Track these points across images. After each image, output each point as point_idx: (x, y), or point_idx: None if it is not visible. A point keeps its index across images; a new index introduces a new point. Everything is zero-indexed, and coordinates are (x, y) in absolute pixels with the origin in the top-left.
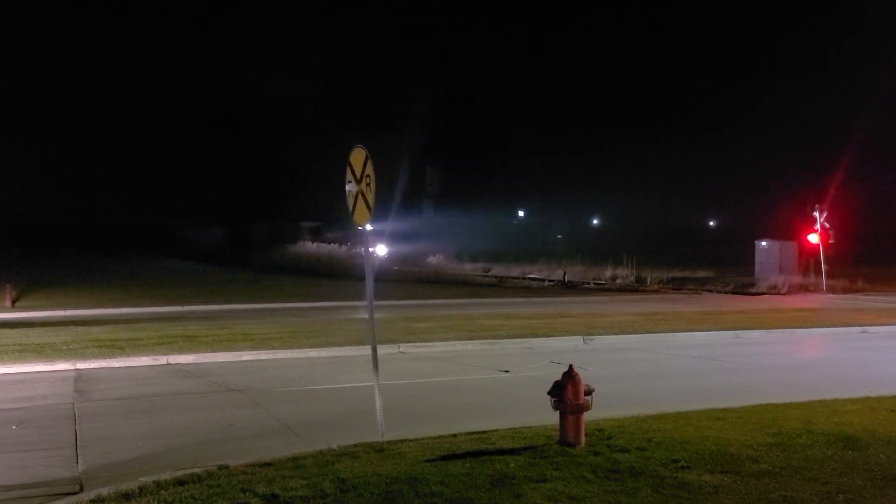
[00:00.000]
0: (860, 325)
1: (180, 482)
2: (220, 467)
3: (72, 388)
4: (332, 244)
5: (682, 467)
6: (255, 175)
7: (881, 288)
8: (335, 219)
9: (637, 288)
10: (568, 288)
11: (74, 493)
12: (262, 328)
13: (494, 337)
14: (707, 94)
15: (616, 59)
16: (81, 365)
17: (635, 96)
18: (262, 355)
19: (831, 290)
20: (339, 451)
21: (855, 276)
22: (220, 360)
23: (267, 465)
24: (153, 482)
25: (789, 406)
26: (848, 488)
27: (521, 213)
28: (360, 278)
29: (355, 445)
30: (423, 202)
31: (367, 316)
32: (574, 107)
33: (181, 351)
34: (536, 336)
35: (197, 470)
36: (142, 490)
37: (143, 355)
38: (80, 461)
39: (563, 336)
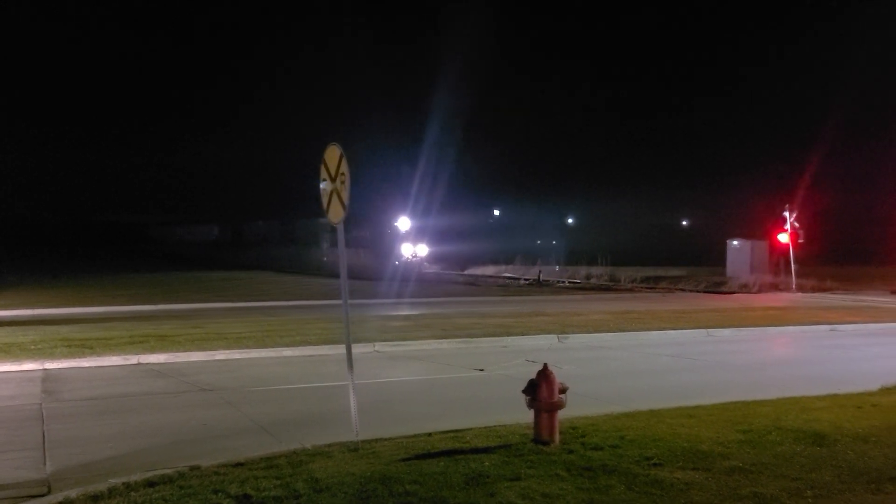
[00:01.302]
0: (829, 324)
1: (151, 483)
2: (192, 468)
3: (39, 388)
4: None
5: (655, 464)
6: (257, 170)
7: (850, 286)
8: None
9: (611, 287)
10: (543, 287)
11: (42, 496)
12: (236, 327)
13: (470, 336)
14: (681, 94)
15: (591, 57)
16: (50, 365)
17: (610, 96)
18: (236, 354)
19: (801, 288)
20: (313, 451)
21: (824, 275)
22: (193, 359)
23: (239, 465)
24: (123, 484)
25: (759, 403)
26: (816, 484)
27: (496, 212)
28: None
29: (329, 445)
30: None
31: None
32: (547, 105)
33: (153, 350)
34: (511, 335)
35: (168, 471)
36: (111, 492)
37: (113, 355)
38: (47, 463)
39: (538, 335)
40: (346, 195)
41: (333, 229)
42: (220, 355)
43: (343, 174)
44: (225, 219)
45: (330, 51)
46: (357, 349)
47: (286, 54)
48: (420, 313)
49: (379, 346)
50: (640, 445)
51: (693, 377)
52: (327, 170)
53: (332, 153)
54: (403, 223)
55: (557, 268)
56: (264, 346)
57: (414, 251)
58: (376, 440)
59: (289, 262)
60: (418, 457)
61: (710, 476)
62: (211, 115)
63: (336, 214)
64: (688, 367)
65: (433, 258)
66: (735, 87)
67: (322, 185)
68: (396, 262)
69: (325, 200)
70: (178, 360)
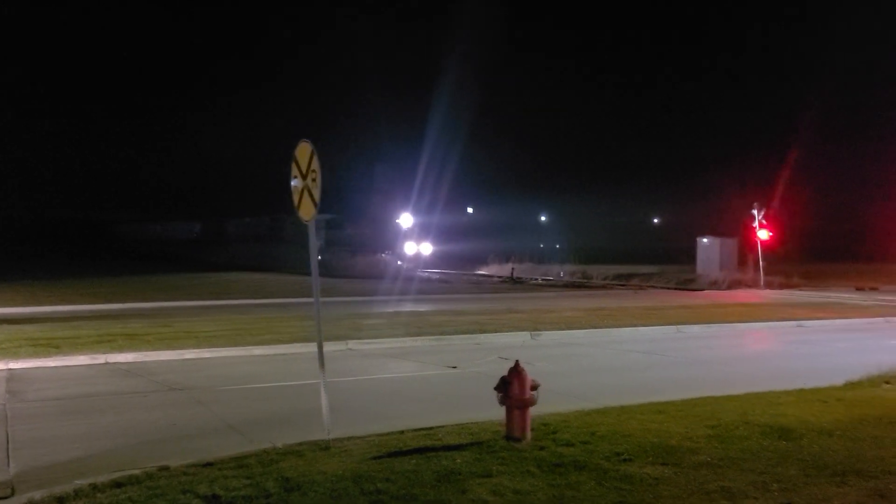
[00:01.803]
0: (796, 320)
1: (118, 484)
2: (160, 468)
3: (3, 388)
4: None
5: (625, 460)
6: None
7: (817, 283)
8: (356, 211)
9: (583, 284)
10: (516, 284)
11: (6, 498)
12: (207, 326)
13: (443, 333)
14: (654, 91)
15: (564, 55)
16: (14, 365)
17: (584, 93)
18: (206, 353)
19: (769, 285)
20: (284, 450)
21: (792, 272)
22: (162, 358)
23: (209, 465)
24: (89, 485)
25: (728, 399)
26: (782, 478)
27: (469, 210)
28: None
29: (300, 444)
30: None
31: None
32: (519, 102)
33: (121, 349)
34: (484, 332)
35: (136, 471)
36: (77, 493)
37: (80, 354)
38: (11, 464)
39: (511, 332)
40: (317, 193)
41: (330, 226)
42: (190, 354)
43: (314, 171)
44: (207, 215)
45: (327, 42)
46: (330, 347)
47: (280, 46)
48: (394, 311)
49: (352, 344)
50: (610, 441)
51: (663, 373)
52: (298, 167)
53: (304, 150)
54: (406, 220)
55: (531, 265)
56: (235, 344)
57: (418, 250)
58: (348, 438)
59: (275, 261)
60: (390, 455)
61: (679, 471)
62: (200, 108)
63: (307, 212)
64: (658, 364)
65: (436, 258)
66: (709, 83)
67: (293, 183)
68: (399, 263)
69: (295, 198)
70: (146, 359)
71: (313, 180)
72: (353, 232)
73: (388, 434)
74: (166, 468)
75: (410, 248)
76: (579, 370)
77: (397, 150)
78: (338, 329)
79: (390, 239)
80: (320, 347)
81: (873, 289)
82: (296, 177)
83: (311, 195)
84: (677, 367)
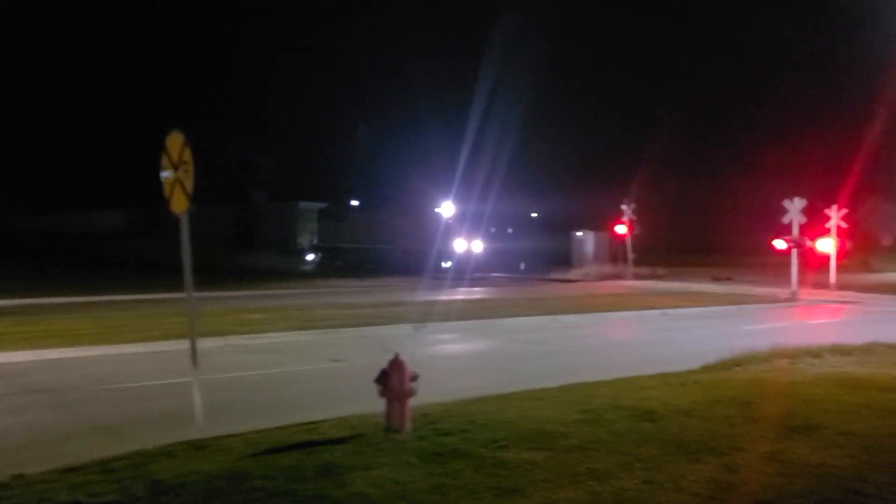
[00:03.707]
0: (660, 308)
1: None
2: (15, 477)
3: None
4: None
5: (502, 447)
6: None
7: (679, 275)
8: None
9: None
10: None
11: None
12: (80, 323)
13: (329, 327)
14: (529, 90)
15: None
16: None
17: (466, 91)
18: (73, 352)
19: (637, 276)
20: (155, 452)
21: (657, 263)
22: (22, 359)
23: (71, 470)
24: None
25: (599, 384)
26: (645, 458)
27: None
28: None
29: (173, 444)
30: (253, 192)
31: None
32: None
33: None
34: (371, 325)
35: None
36: None
37: None
38: None
39: (397, 324)
40: (189, 184)
41: (328, 216)
42: (55, 353)
43: (186, 162)
44: (135, 203)
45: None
46: (208, 343)
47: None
48: (278, 305)
49: (232, 340)
50: (489, 429)
51: (542, 361)
52: (169, 158)
53: (175, 140)
54: (447, 209)
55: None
56: (106, 342)
57: (468, 247)
58: (225, 437)
59: (237, 257)
60: (269, 451)
61: (552, 455)
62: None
63: (179, 205)
64: (537, 352)
65: (490, 257)
66: (581, 80)
67: (164, 174)
68: (444, 263)
69: (167, 190)
70: (9, 360)
71: (186, 172)
72: (384, 222)
73: (267, 430)
74: (21, 476)
75: (460, 245)
76: (468, 359)
77: (444, 126)
78: (217, 324)
79: (430, 232)
80: (193, 342)
81: (728, 279)
82: (166, 168)
83: (183, 187)
84: (554, 355)
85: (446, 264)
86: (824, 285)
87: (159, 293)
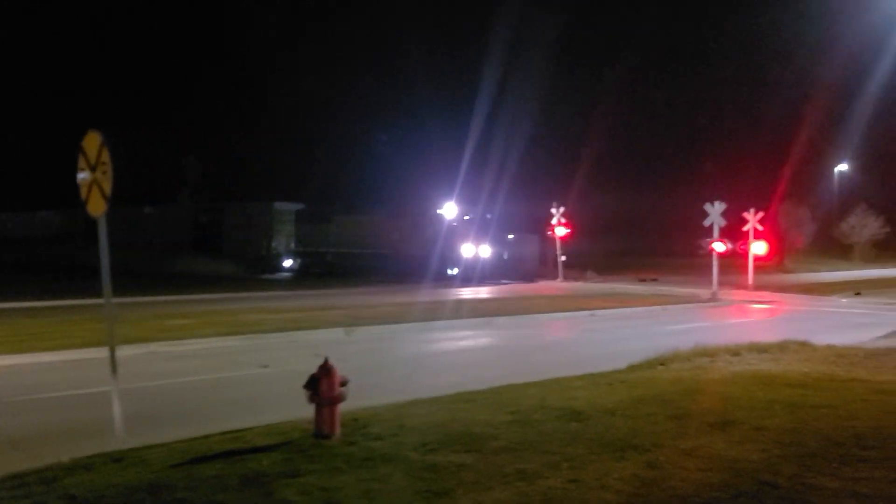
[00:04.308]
0: (589, 310)
1: None
2: None
3: None
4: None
5: (431, 450)
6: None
7: (607, 276)
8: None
9: (403, 280)
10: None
11: None
12: None
13: (257, 332)
14: (457, 87)
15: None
16: None
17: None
18: None
19: (567, 278)
20: (71, 465)
21: (586, 265)
22: None
23: None
24: None
25: (529, 385)
26: (571, 456)
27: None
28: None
29: (91, 457)
30: (179, 194)
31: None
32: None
33: None
34: (300, 329)
35: None
36: None
37: None
38: None
39: (328, 328)
40: (108, 186)
41: (311, 219)
42: None
43: (104, 163)
44: (74, 204)
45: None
46: (130, 350)
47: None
48: (204, 310)
49: (156, 346)
50: (419, 432)
51: (470, 364)
52: (86, 159)
53: (92, 141)
54: (449, 210)
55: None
56: (21, 350)
57: (476, 252)
58: (147, 447)
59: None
60: (193, 461)
61: (481, 457)
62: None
63: (97, 207)
64: (472, 354)
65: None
66: (518, 83)
67: (80, 176)
68: (450, 271)
69: (83, 192)
70: None
71: (104, 173)
72: (377, 224)
73: (192, 440)
74: None
75: (468, 250)
76: (395, 363)
77: (446, 121)
78: (139, 331)
79: (429, 236)
80: (112, 350)
81: (653, 280)
82: (83, 169)
83: (101, 189)
84: (487, 356)
85: (452, 271)
86: (743, 286)
87: (85, 298)
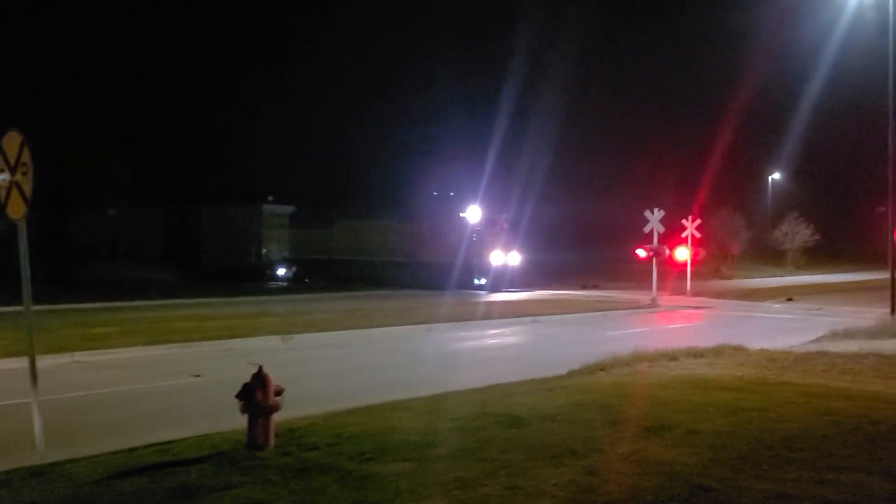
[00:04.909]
0: (532, 316)
1: None
2: None
3: None
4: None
5: (369, 459)
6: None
7: (550, 283)
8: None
9: (339, 287)
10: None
11: None
12: None
13: (189, 340)
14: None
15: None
16: None
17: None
18: None
19: (513, 286)
20: None
21: (533, 273)
22: None
23: None
24: None
25: (470, 392)
26: (509, 463)
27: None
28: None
29: (9, 472)
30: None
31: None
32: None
33: None
34: (235, 337)
35: None
36: None
37: None
38: None
39: (263, 336)
40: (28, 188)
41: (309, 223)
42: None
43: (25, 164)
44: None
45: None
46: (52, 360)
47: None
48: (134, 317)
49: (80, 356)
50: (356, 442)
51: (413, 371)
52: (6, 159)
53: (12, 141)
54: (473, 213)
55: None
56: None
57: (505, 260)
58: (70, 461)
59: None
60: (118, 475)
61: (420, 465)
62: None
63: (16, 210)
64: (408, 362)
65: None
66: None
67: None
68: (478, 280)
69: (1, 194)
70: None
71: (24, 174)
72: (391, 229)
73: (118, 452)
74: None
75: (497, 257)
76: (332, 371)
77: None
78: (63, 339)
79: (453, 241)
80: (32, 359)
81: (595, 287)
82: (2, 170)
83: (21, 191)
84: (427, 364)
85: (480, 280)
86: (681, 291)
87: (8, 306)
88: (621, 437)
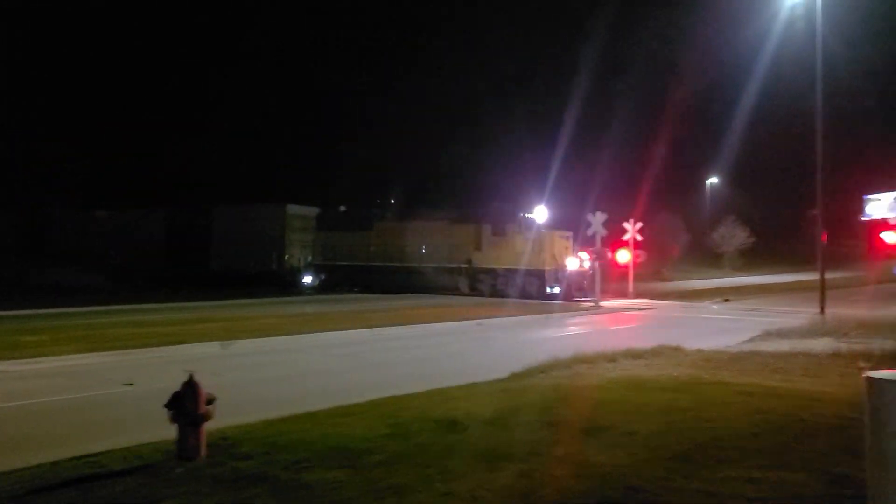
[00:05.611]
0: (476, 319)
1: None
2: None
3: None
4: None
5: (304, 468)
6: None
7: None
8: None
9: (283, 291)
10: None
11: None
12: None
13: (123, 348)
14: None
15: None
16: None
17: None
18: None
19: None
20: None
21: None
22: None
23: None
24: None
25: (411, 397)
26: (446, 469)
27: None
28: None
29: None
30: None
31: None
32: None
33: None
34: (171, 344)
35: None
36: None
37: None
38: None
39: (201, 342)
40: None
41: (347, 225)
42: None
43: None
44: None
45: None
46: None
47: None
48: (63, 324)
49: (4, 365)
50: (292, 450)
51: (358, 376)
52: None
53: None
54: (540, 213)
55: None
56: None
57: (580, 261)
58: None
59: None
60: (39, 490)
61: (356, 473)
62: None
63: None
64: (354, 367)
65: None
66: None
67: None
68: (550, 289)
69: None
70: None
71: None
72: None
73: (38, 466)
74: None
75: (573, 262)
76: (273, 378)
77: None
78: None
79: (518, 246)
80: None
81: None
82: None
83: None
84: (372, 368)
85: (553, 290)
86: (623, 293)
87: None
88: (558, 439)
